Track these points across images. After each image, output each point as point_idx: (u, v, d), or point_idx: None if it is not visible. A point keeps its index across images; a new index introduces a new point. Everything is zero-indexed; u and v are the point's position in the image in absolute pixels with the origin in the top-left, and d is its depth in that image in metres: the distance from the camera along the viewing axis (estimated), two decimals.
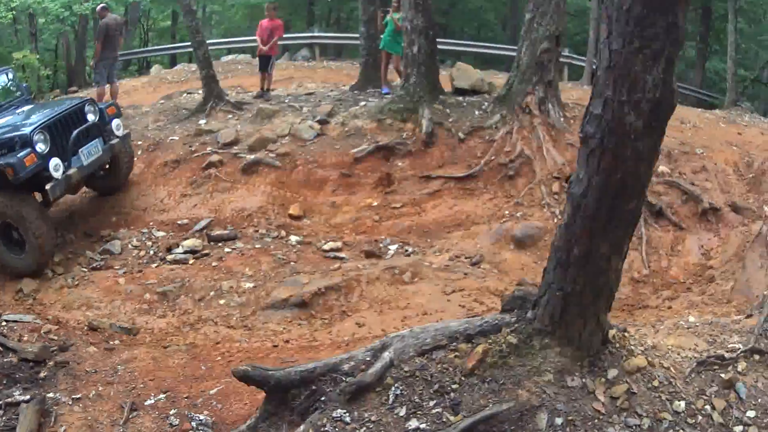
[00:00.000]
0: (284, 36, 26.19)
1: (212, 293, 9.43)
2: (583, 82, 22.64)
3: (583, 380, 5.27)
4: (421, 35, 13.66)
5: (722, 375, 5.80)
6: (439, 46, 25.04)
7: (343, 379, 5.31)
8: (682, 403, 5.47)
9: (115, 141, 11.99)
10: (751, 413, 5.57)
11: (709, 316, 7.69)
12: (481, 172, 12.43)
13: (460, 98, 14.34)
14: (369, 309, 8.88)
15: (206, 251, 10.77)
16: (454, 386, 5.16)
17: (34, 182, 10.40)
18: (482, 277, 9.65)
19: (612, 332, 5.62)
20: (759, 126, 18.72)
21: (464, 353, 5.31)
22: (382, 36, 16.09)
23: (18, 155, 10.11)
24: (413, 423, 4.99)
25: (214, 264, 10.33)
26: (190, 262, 10.53)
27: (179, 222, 11.79)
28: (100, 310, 9.22)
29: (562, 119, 13.07)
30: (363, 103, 14.82)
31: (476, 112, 13.67)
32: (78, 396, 6.92)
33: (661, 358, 5.85)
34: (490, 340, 5.34)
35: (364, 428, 5.01)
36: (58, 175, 10.56)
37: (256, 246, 10.85)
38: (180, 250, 10.89)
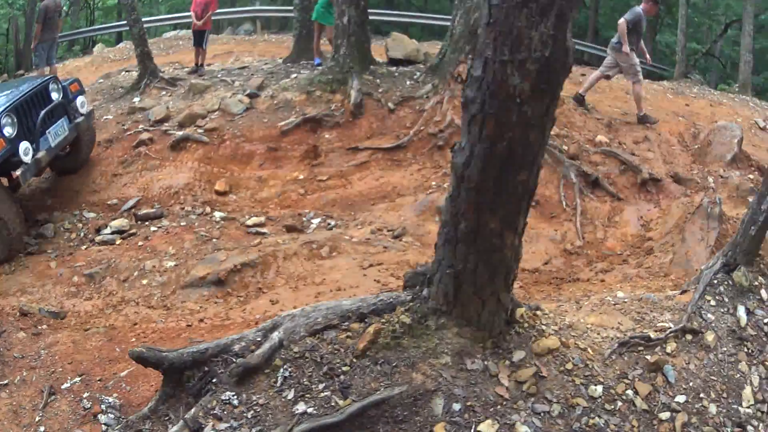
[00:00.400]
0: (227, 10, 26.00)
1: (136, 273, 9.05)
2: None
3: (485, 363, 4.93)
4: (351, 5, 13.17)
5: (648, 357, 5.49)
6: (385, 18, 25.35)
7: (234, 360, 5.00)
8: (599, 388, 5.15)
9: (80, 119, 11.53)
10: (680, 398, 5.32)
11: (642, 291, 7.32)
12: (410, 143, 11.98)
13: (393, 68, 13.88)
14: (284, 285, 8.47)
15: (133, 231, 10.40)
16: (344, 368, 4.85)
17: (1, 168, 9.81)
18: (403, 250, 9.22)
19: (520, 311, 5.28)
20: (708, 98, 18.61)
21: (356, 333, 5.00)
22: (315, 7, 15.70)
23: None
24: (301, 407, 4.70)
25: (140, 244, 9.96)
26: (117, 242, 10.15)
27: (109, 202, 11.31)
28: (32, 295, 8.80)
29: None
30: (294, 76, 14.36)
31: (408, 82, 13.23)
32: (5, 382, 6.71)
33: (578, 339, 5.50)
34: (383, 320, 5.02)
35: (252, 411, 4.72)
36: (28, 159, 9.97)
37: (182, 224, 10.46)
38: (108, 231, 10.51)
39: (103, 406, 6.21)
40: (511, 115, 4.03)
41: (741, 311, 6.09)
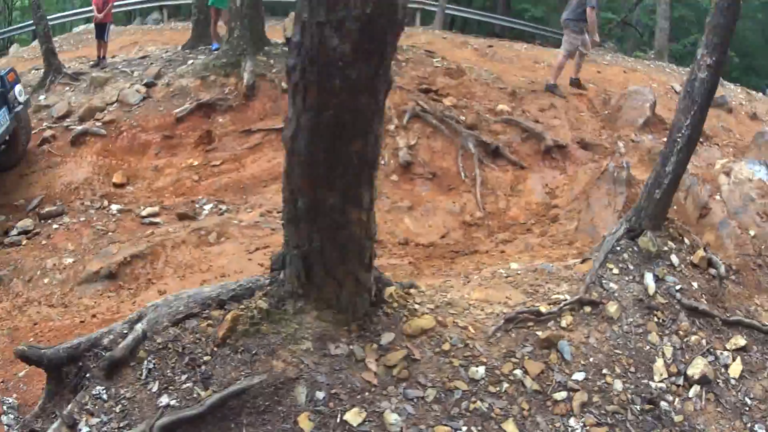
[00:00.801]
0: (135, 0, 25.47)
1: (38, 273, 8.79)
2: (435, 26, 22.32)
3: (350, 347, 4.63)
4: None
5: (539, 333, 5.22)
6: None
7: (103, 354, 4.73)
8: (481, 369, 4.86)
9: (19, 108, 10.99)
10: (579, 375, 5.07)
11: (543, 261, 7.12)
12: None
13: (286, 48, 13.47)
14: (173, 275, 8.24)
15: (37, 230, 10.10)
16: (205, 358, 4.57)
17: None
18: None
19: (389, 290, 4.99)
20: (621, 65, 18.67)
21: (217, 321, 4.71)
22: None
23: None
24: (164, 399, 4.44)
25: (43, 242, 9.69)
26: (23, 243, 9.82)
27: (16, 203, 10.93)
28: None
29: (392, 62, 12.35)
30: (191, 62, 14.01)
31: None
32: None
33: (458, 317, 5.21)
34: (242, 306, 4.74)
35: (120, 406, 4.47)
36: None
37: (81, 219, 10.16)
38: (15, 232, 10.17)
39: (5, 407, 5.91)
40: (334, 81, 3.69)
41: (648, 279, 5.92)
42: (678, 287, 5.89)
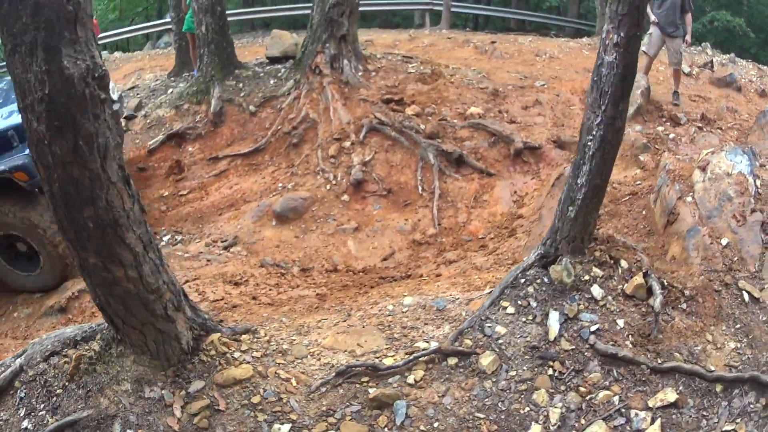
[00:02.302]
0: (146, 24, 25.61)
1: (11, 307, 8.98)
2: (442, 26, 21.81)
3: (162, 392, 4.75)
4: (207, 13, 12.54)
5: (370, 390, 4.79)
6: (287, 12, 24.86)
7: None
8: (286, 427, 4.59)
9: (117, 107, 10.13)
10: None
11: (459, 290, 6.46)
12: (268, 145, 11.29)
13: (259, 69, 13.18)
14: None
15: None
16: (58, 391, 4.85)
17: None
18: (225, 262, 8.65)
19: (212, 337, 5.00)
20: None
21: (70, 359, 4.96)
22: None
23: (25, 152, 7.87)
24: (25, 423, 4.79)
25: None
26: None
27: None
28: None
29: (359, 74, 11.87)
30: (171, 90, 13.87)
31: (272, 81, 12.54)
32: None
33: (285, 367, 4.93)
34: (86, 347, 5.01)
35: None
36: None
37: None
38: None
39: None
40: (47, 157, 3.97)
41: (553, 319, 5.17)
42: (595, 328, 5.12)
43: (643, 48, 13.70)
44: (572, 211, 5.29)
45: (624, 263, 5.50)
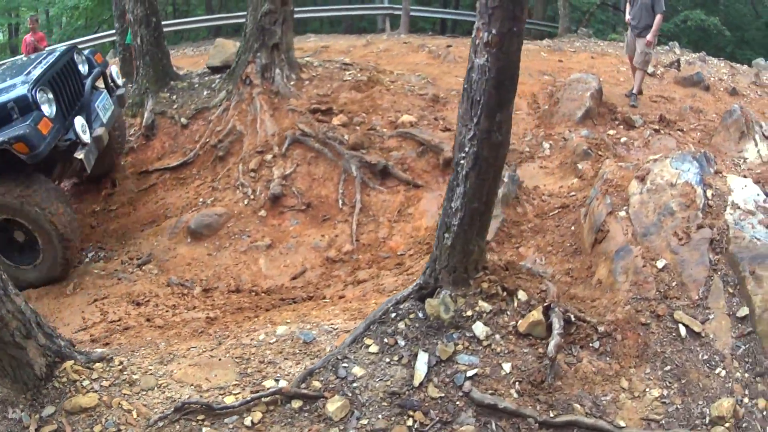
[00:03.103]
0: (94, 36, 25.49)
1: None
2: (401, 30, 21.64)
3: (22, 414, 4.71)
4: (141, 25, 12.37)
5: (204, 429, 4.57)
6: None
7: None
8: None
9: (121, 92, 10.27)
10: None
11: (347, 317, 6.09)
12: (196, 158, 11.08)
13: (196, 80, 12.93)
14: None
15: None
16: None
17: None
18: (135, 280, 8.50)
19: (67, 364, 4.91)
20: (590, 51, 17.67)
21: None
22: None
23: (26, 123, 7.65)
24: None
25: None
26: None
27: None
28: None
29: (291, 84, 11.63)
30: None
31: (205, 92, 12.28)
32: None
33: (130, 398, 4.76)
34: None
35: None
36: (87, 138, 8.39)
37: None
38: None
39: None
40: None
41: (421, 361, 4.69)
42: (473, 372, 4.63)
43: (624, 52, 13.50)
44: (448, 238, 4.82)
45: (522, 295, 4.98)
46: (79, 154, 8.33)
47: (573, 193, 8.02)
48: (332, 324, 5.73)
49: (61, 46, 10.42)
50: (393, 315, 4.97)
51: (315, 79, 11.97)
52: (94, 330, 7.21)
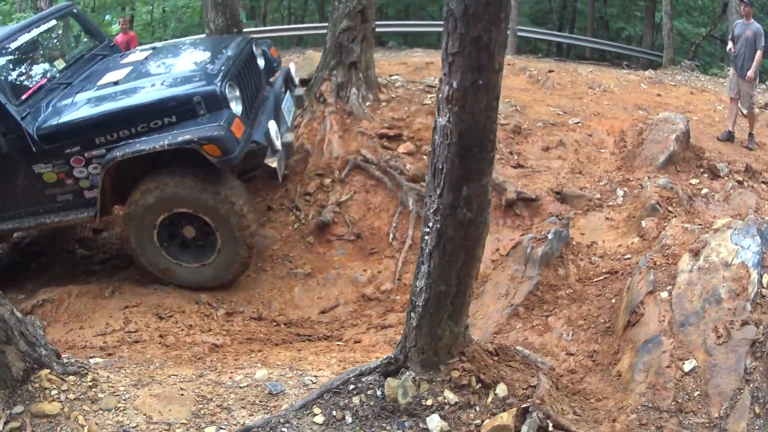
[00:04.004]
0: None
1: None
2: (509, 51, 21.15)
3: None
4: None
5: None
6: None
7: None
8: None
9: (299, 92, 9.97)
10: None
11: (328, 372, 5.66)
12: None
13: None
14: None
15: None
16: None
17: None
18: (169, 293, 8.28)
19: (42, 372, 5.04)
20: (691, 85, 16.83)
21: None
22: None
23: (218, 122, 7.19)
24: None
25: None
26: None
27: None
28: None
29: (366, 104, 11.37)
30: None
31: None
32: None
33: (87, 414, 4.89)
34: None
35: None
36: (279, 144, 7.99)
37: None
38: None
39: None
40: None
41: None
42: None
43: (725, 91, 12.82)
44: (414, 318, 4.29)
45: (501, 389, 4.30)
46: (272, 162, 7.87)
47: (628, 256, 7.12)
48: (316, 376, 5.48)
49: (231, 36, 9.92)
50: (351, 387, 4.52)
51: (393, 101, 11.69)
52: (110, 337, 7.21)
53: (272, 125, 7.93)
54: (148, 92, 7.68)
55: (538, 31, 25.38)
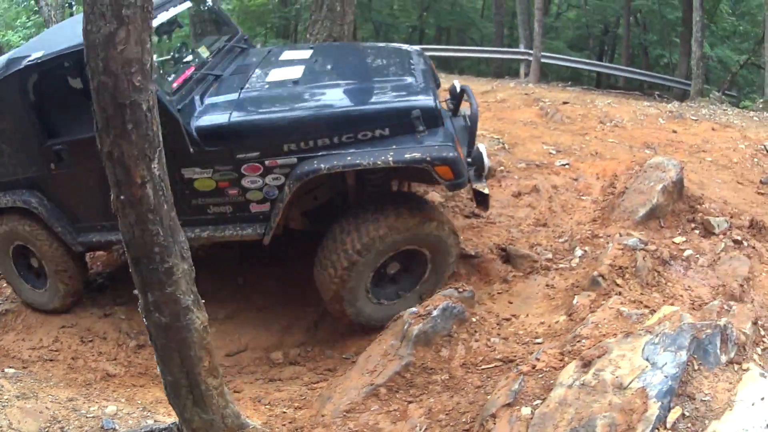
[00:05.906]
0: None
1: None
2: (530, 79, 20.36)
3: None
4: None
5: None
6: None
7: None
8: None
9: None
10: None
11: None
12: None
13: None
14: None
15: None
16: None
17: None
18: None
19: None
20: (715, 120, 15.35)
21: None
22: None
23: (446, 143, 6.49)
24: None
25: None
26: None
27: None
28: None
29: None
30: None
31: None
32: None
33: None
34: None
35: None
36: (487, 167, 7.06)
37: None
38: None
39: None
40: None
41: None
42: None
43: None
44: None
45: None
46: (484, 188, 6.87)
47: (539, 341, 5.95)
48: (157, 420, 5.59)
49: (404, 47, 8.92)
50: None
51: None
52: (35, 352, 7.96)
53: (483, 147, 6.98)
54: (355, 98, 6.85)
55: (561, 57, 24.33)
